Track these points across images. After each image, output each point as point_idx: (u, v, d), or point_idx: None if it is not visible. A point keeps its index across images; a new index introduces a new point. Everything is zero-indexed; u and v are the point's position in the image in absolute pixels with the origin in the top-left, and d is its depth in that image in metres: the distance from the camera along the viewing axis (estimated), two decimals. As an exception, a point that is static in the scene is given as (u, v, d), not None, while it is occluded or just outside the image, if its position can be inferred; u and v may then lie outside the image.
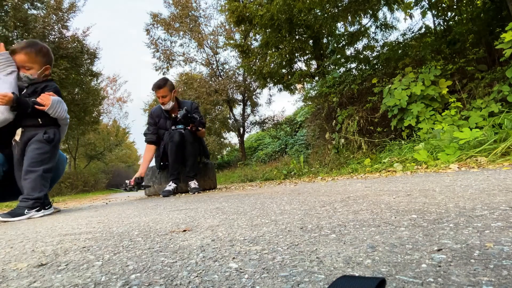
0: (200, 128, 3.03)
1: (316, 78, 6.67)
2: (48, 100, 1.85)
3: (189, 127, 2.99)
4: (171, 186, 2.98)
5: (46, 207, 1.86)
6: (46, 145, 1.87)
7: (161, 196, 2.91)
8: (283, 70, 7.21)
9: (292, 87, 8.28)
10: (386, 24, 6.49)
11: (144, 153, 3.18)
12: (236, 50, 9.17)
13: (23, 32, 8.98)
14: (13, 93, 1.75)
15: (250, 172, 8.11)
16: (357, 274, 0.41)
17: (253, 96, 13.82)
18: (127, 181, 2.95)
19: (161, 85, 2.99)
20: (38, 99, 1.85)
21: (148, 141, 3.13)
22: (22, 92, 1.89)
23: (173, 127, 3.07)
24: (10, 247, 0.81)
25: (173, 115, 3.07)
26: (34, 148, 1.84)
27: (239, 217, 0.98)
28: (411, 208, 0.83)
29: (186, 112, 2.87)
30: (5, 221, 1.60)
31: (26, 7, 9.33)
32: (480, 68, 3.52)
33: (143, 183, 3.07)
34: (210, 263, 0.51)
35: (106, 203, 2.77)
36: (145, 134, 3.17)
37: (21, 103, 1.79)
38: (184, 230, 0.84)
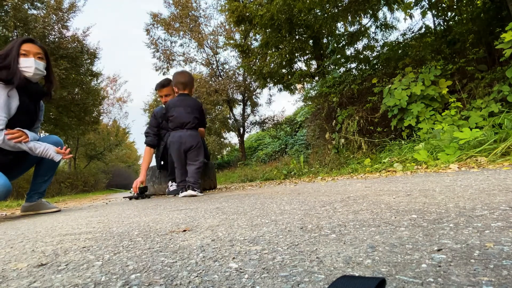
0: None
1: (316, 78, 6.67)
2: None
3: None
4: (173, 186, 3.00)
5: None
6: None
7: (168, 195, 2.94)
8: (283, 70, 7.20)
9: (292, 87, 8.28)
10: (386, 24, 6.48)
11: (144, 155, 3.02)
12: (236, 50, 9.19)
13: (23, 32, 8.98)
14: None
15: (250, 172, 8.11)
16: (357, 274, 0.41)
17: (253, 96, 13.82)
18: (131, 189, 3.03)
19: (164, 84, 2.99)
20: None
21: (148, 144, 2.95)
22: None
23: None
24: (10, 247, 0.81)
25: None
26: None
27: (239, 217, 0.98)
28: (411, 208, 0.83)
29: None
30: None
31: (26, 7, 9.32)
32: (480, 68, 3.51)
33: (147, 192, 3.08)
34: (210, 263, 0.51)
35: (106, 203, 2.77)
36: (146, 134, 3.00)
37: None
38: (184, 230, 0.84)
